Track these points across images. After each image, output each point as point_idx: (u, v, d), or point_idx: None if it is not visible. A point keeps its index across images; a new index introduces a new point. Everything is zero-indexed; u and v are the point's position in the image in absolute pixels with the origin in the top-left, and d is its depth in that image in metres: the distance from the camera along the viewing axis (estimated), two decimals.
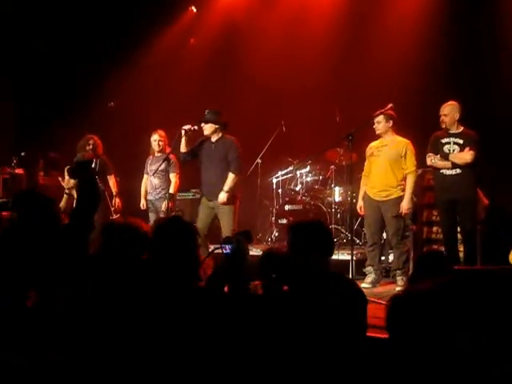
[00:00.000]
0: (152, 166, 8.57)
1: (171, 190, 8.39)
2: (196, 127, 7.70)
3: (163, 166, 8.33)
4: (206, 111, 7.71)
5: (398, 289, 6.96)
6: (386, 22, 9.82)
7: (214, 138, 7.73)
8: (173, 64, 11.22)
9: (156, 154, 8.62)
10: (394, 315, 1.94)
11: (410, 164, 7.26)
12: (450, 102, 7.06)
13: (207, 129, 7.66)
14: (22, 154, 9.90)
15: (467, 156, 6.85)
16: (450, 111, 7.01)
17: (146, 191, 8.63)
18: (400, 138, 7.38)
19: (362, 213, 7.60)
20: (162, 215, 8.26)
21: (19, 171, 9.72)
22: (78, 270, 3.19)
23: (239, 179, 7.75)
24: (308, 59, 10.27)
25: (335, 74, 9.96)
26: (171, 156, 8.25)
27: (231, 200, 7.59)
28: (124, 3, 10.67)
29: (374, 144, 7.54)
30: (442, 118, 7.03)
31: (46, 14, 10.45)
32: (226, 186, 7.51)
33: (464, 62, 9.02)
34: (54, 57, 10.58)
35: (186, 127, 7.70)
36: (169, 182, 8.42)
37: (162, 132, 8.64)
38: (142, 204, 8.63)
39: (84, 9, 10.60)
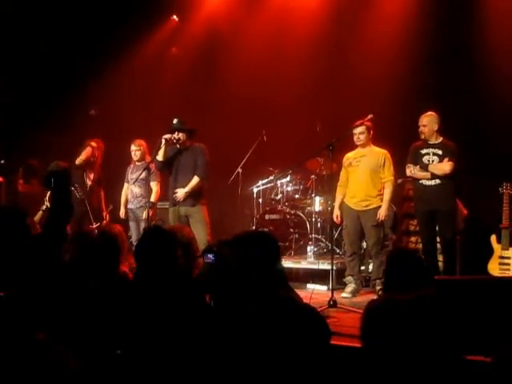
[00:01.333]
0: (132, 174, 8.56)
1: (152, 199, 8.39)
2: (176, 136, 7.71)
3: (144, 174, 8.32)
4: (176, 120, 7.77)
5: None
6: (368, 34, 9.87)
7: (182, 146, 7.82)
8: (154, 72, 11.21)
9: (137, 163, 8.61)
10: (368, 324, 1.93)
11: (389, 173, 7.34)
12: (428, 113, 7.13)
13: (181, 137, 7.72)
14: (2, 161, 9.82)
15: (446, 167, 6.91)
16: (428, 122, 7.07)
17: (127, 200, 8.61)
18: (377, 149, 7.45)
19: (338, 221, 7.63)
20: (142, 224, 8.24)
21: None
22: (50, 279, 3.17)
23: (204, 186, 7.83)
24: (289, 69, 10.29)
25: (316, 84, 10.01)
26: (152, 165, 8.23)
27: (199, 208, 7.71)
28: (106, 12, 10.63)
29: (351, 154, 7.60)
30: (421, 128, 7.09)
31: (28, 20, 10.38)
32: (188, 187, 7.65)
33: (444, 73, 9.08)
34: (33, 63, 10.50)
35: (167, 136, 7.71)
36: (149, 190, 8.42)
37: (141, 141, 8.66)
38: (122, 212, 8.61)
39: (66, 16, 10.55)
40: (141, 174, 8.26)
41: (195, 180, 7.68)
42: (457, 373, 1.81)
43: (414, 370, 1.78)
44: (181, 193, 7.62)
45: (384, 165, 7.34)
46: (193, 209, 7.69)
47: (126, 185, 8.71)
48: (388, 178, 7.35)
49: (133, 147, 8.63)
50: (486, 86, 8.67)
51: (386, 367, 1.81)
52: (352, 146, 7.62)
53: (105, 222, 8.35)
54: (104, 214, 8.59)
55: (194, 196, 7.68)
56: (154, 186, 8.46)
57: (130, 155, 8.70)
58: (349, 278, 7.51)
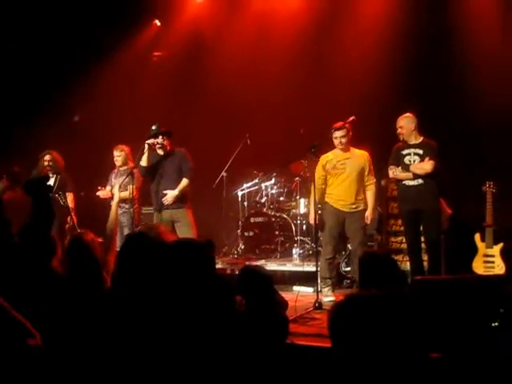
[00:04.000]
0: (116, 179, 8.53)
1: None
2: (159, 141, 7.72)
3: (127, 180, 8.30)
4: (155, 126, 7.80)
5: None
6: (348, 36, 9.91)
7: (162, 151, 7.86)
8: (137, 77, 11.17)
9: (120, 168, 8.60)
10: (335, 321, 1.94)
11: (372, 176, 7.38)
12: (404, 115, 7.16)
13: (161, 142, 7.77)
14: None
15: (427, 166, 6.93)
16: (404, 123, 7.10)
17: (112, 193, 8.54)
18: (358, 151, 7.44)
19: (314, 223, 7.47)
20: (125, 230, 8.21)
21: None
22: (37, 286, 3.16)
23: (189, 190, 7.85)
24: (272, 72, 10.30)
25: (299, 87, 10.05)
26: (135, 170, 8.23)
27: (185, 211, 7.75)
28: (87, 16, 10.60)
29: (331, 156, 7.45)
30: (399, 130, 7.12)
31: (10, 25, 10.34)
32: (178, 189, 7.68)
33: (425, 73, 9.14)
34: (16, 69, 10.46)
35: (150, 141, 7.73)
36: (133, 196, 8.39)
37: (123, 146, 8.66)
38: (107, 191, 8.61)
39: (47, 22, 10.51)
40: (124, 180, 8.20)
41: (184, 182, 7.72)
42: (420, 370, 1.82)
43: (378, 367, 1.78)
44: (170, 195, 7.64)
45: (367, 167, 7.35)
46: (179, 212, 7.70)
47: (108, 188, 8.69)
48: (371, 180, 7.37)
49: (115, 153, 8.63)
50: (468, 85, 8.72)
51: (353, 365, 1.82)
52: (333, 147, 7.56)
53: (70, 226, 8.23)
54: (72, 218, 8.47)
55: (180, 200, 7.70)
56: (132, 190, 8.31)
57: (113, 160, 8.68)
58: (328, 281, 7.35)
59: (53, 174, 8.50)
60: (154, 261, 3.41)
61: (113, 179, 8.65)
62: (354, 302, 1.94)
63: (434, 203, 7.12)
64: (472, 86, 8.65)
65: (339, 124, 7.26)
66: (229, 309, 3.30)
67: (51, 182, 8.40)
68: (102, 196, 8.67)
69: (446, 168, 7.17)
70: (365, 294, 2.01)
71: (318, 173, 7.49)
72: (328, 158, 7.46)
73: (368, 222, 7.29)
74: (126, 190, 8.28)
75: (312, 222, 7.55)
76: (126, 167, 8.57)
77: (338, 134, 7.27)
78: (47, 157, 8.52)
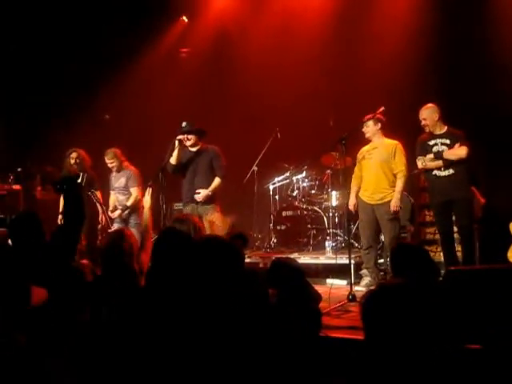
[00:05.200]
0: (115, 182, 8.56)
1: (129, 203, 8.37)
2: (189, 137, 7.75)
3: (123, 182, 8.34)
4: (185, 123, 7.81)
5: None
6: (377, 25, 9.84)
7: (194, 148, 7.88)
8: (165, 74, 11.23)
9: (118, 170, 8.57)
10: (367, 309, 1.92)
11: (400, 164, 7.31)
12: (426, 106, 7.10)
13: (192, 139, 7.77)
14: (19, 169, 9.90)
15: (461, 152, 6.85)
16: (427, 114, 7.03)
17: (115, 207, 8.50)
18: (389, 140, 7.44)
19: (353, 209, 7.58)
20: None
21: (16, 187, 9.70)
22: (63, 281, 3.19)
23: (221, 187, 7.86)
24: (300, 65, 10.29)
25: (328, 79, 9.98)
26: (131, 169, 8.26)
27: (214, 208, 7.75)
28: (116, 15, 10.69)
29: (364, 148, 7.61)
30: (423, 122, 7.06)
31: (42, 27, 10.46)
32: (211, 187, 7.70)
33: (456, 62, 9.05)
34: (48, 70, 10.59)
35: (181, 137, 7.75)
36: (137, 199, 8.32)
37: (112, 150, 8.51)
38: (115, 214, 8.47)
39: (78, 22, 10.62)
40: (121, 182, 8.28)
41: (217, 181, 7.75)
42: (456, 361, 1.80)
43: (412, 356, 1.76)
44: (203, 194, 7.66)
45: (395, 156, 7.32)
46: (208, 208, 7.72)
47: (112, 192, 8.66)
48: (399, 168, 7.31)
49: (106, 160, 8.50)
50: (497, 74, 8.61)
51: (387, 356, 1.80)
52: (366, 139, 7.61)
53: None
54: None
55: (210, 196, 7.72)
56: (134, 191, 8.39)
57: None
58: (364, 271, 7.52)
59: (79, 172, 8.39)
60: (185, 258, 3.45)
61: (112, 183, 8.64)
62: (386, 290, 1.92)
63: (466, 193, 7.05)
64: (503, 70, 8.54)
65: (369, 115, 7.30)
66: (261, 303, 3.31)
67: (78, 180, 8.39)
68: (115, 216, 8.42)
69: (479, 156, 7.09)
70: (397, 282, 1.99)
71: (355, 173, 7.75)
72: (363, 149, 7.63)
73: (393, 209, 7.24)
74: (125, 191, 8.38)
75: (351, 207, 7.62)
76: (122, 169, 8.52)
77: (364, 128, 7.44)
78: (74, 154, 8.39)
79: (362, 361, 1.86)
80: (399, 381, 1.76)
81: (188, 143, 7.81)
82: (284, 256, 7.62)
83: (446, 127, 7.04)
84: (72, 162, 8.38)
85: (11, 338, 2.73)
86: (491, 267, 4.96)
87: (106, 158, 8.49)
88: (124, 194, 8.44)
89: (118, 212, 8.36)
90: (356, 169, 7.71)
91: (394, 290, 1.88)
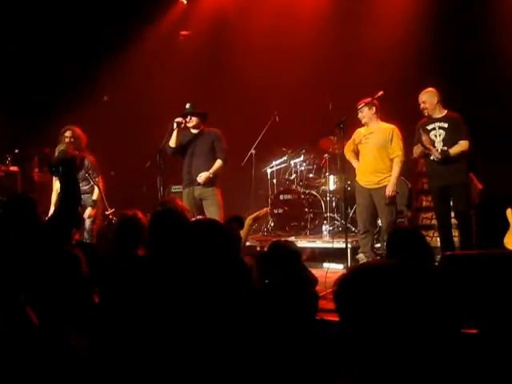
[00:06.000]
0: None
1: (94, 197, 7.93)
2: (188, 120, 7.74)
3: (82, 171, 7.80)
4: (189, 104, 7.79)
5: None
6: (377, 9, 9.83)
7: (195, 130, 7.88)
8: (164, 56, 11.21)
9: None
10: (340, 292, 1.83)
11: (397, 148, 7.31)
12: (425, 90, 7.11)
13: (193, 121, 7.76)
14: (16, 151, 9.89)
15: (464, 146, 6.87)
16: (427, 98, 7.04)
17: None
18: (386, 124, 7.44)
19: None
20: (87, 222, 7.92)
21: (14, 169, 9.69)
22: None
23: (222, 170, 7.86)
24: (299, 48, 10.24)
25: (327, 63, 9.97)
26: (89, 157, 7.91)
27: (214, 190, 7.74)
28: None
29: (362, 130, 7.58)
30: (422, 106, 7.07)
31: (37, 6, 10.40)
32: (212, 169, 7.69)
33: (456, 48, 9.02)
34: (45, 52, 10.54)
35: (179, 120, 7.74)
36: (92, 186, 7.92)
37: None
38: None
39: (78, 4, 10.57)
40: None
41: (218, 163, 7.74)
42: (452, 345, 1.77)
43: (403, 338, 1.73)
44: (205, 175, 7.65)
45: (392, 140, 7.31)
46: (208, 191, 7.72)
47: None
48: (396, 152, 7.30)
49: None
50: (497, 59, 8.60)
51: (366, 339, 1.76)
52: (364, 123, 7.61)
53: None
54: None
55: (211, 179, 7.72)
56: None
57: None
58: (361, 256, 7.54)
59: (76, 151, 7.75)
60: (176, 239, 3.46)
61: None
62: (367, 270, 1.85)
63: (463, 178, 7.06)
64: (502, 57, 8.53)
65: (360, 102, 7.36)
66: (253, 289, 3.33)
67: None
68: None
69: (477, 142, 7.09)
70: (385, 262, 1.94)
71: (347, 145, 7.67)
72: (360, 131, 7.61)
73: (388, 194, 7.24)
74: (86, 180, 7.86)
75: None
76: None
77: (359, 114, 7.44)
78: (68, 133, 7.91)
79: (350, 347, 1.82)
80: (391, 365, 1.75)
81: (190, 124, 7.80)
82: (283, 239, 7.65)
83: (446, 111, 7.04)
84: (66, 140, 7.89)
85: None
86: (486, 252, 4.98)
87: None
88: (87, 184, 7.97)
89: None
90: (350, 142, 7.68)
91: (377, 269, 1.82)
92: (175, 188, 9.26)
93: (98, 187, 7.85)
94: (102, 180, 8.12)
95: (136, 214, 4.42)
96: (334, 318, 4.69)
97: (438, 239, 7.42)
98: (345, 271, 6.38)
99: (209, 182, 7.71)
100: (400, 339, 1.68)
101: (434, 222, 7.85)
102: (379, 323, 1.69)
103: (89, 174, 7.81)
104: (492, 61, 8.66)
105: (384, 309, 1.69)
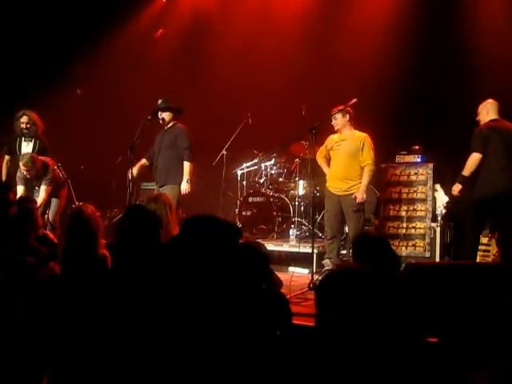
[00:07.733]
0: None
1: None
2: (160, 116, 7.74)
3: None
4: (161, 100, 7.78)
5: None
6: (353, 17, 9.90)
7: (166, 126, 7.89)
8: (140, 52, 11.18)
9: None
10: (323, 289, 1.90)
11: (368, 157, 7.35)
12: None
13: (166, 117, 7.74)
14: None
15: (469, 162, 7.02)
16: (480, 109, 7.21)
17: None
18: (358, 133, 7.49)
19: None
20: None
21: None
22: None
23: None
24: (276, 52, 10.30)
25: (303, 67, 10.03)
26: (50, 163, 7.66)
27: (173, 186, 7.69)
28: None
29: (335, 137, 7.61)
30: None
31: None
32: (186, 176, 7.67)
33: (430, 55, 9.11)
34: (19, 43, 10.43)
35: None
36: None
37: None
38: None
39: None
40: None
41: (187, 165, 7.72)
42: (414, 353, 1.82)
43: (365, 342, 1.77)
44: (184, 185, 7.65)
45: (363, 149, 7.36)
46: (168, 187, 7.71)
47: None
48: (366, 161, 7.35)
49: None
50: (477, 68, 8.68)
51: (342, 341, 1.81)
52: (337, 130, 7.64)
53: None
54: None
55: (177, 176, 7.71)
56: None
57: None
58: (326, 261, 7.56)
59: (30, 137, 7.77)
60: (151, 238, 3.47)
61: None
62: (345, 272, 1.91)
63: None
64: (484, 64, 8.61)
65: (334, 109, 7.37)
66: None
67: (29, 146, 7.78)
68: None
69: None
70: (355, 265, 1.99)
71: (320, 151, 7.71)
72: (333, 137, 7.63)
73: (358, 200, 7.26)
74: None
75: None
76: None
77: (333, 120, 7.46)
78: (24, 118, 7.70)
79: (315, 348, 1.87)
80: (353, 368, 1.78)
81: (162, 121, 7.78)
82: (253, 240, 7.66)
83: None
84: (22, 126, 7.70)
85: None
86: (450, 263, 5.06)
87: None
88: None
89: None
90: (323, 148, 7.70)
91: (351, 272, 1.88)
92: (145, 185, 9.24)
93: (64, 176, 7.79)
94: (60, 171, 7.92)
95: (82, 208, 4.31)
96: (297, 321, 4.73)
97: (403, 248, 7.50)
98: (309, 276, 6.47)
99: (171, 178, 7.69)
100: (365, 334, 1.72)
101: (400, 230, 7.94)
102: (349, 317, 1.73)
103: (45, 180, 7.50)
104: (472, 71, 8.71)
105: (354, 306, 1.74)
